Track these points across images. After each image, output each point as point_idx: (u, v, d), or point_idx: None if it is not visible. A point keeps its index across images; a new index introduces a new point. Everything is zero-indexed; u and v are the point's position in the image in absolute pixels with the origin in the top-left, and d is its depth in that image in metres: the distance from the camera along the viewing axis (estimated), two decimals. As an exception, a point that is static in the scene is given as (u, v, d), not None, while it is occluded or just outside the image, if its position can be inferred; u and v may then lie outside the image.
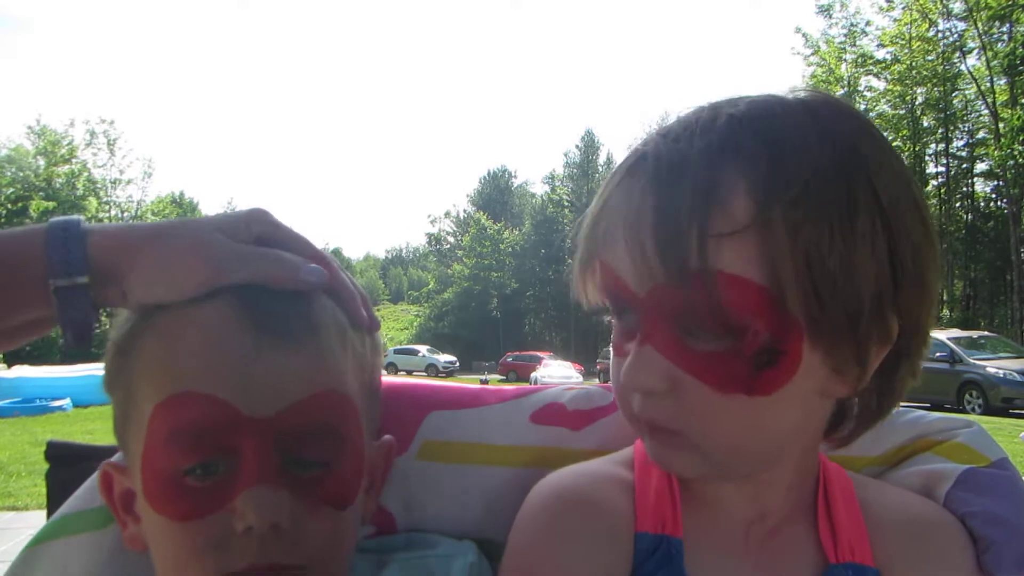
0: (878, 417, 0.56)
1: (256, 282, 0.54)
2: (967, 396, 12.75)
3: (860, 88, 30.52)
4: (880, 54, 29.45)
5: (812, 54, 30.76)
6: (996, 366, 12.64)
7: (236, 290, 0.54)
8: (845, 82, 29.80)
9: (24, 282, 0.53)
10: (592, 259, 0.53)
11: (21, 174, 35.23)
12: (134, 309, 0.56)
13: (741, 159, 0.47)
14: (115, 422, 0.59)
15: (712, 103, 0.52)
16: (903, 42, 28.18)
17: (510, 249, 51.62)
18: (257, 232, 0.56)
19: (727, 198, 0.46)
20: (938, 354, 13.31)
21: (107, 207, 40.16)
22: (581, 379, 25.68)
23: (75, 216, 0.55)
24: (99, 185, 40.62)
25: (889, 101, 30.08)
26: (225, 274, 0.53)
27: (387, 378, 0.79)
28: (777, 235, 0.45)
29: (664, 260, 0.46)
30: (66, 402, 11.51)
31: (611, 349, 0.55)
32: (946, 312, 28.70)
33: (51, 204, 35.24)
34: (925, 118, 29.80)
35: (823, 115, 0.49)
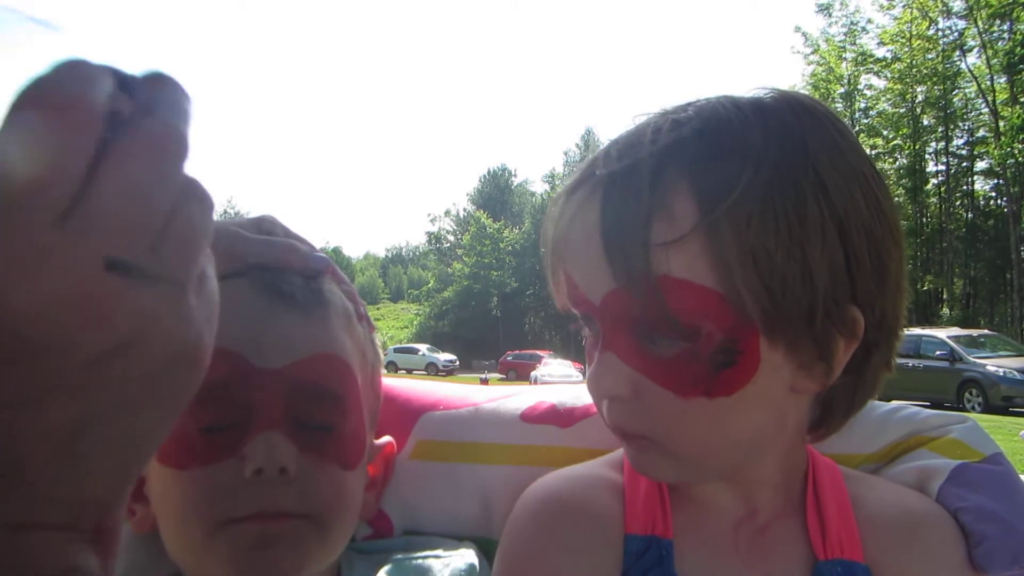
0: (852, 411, 0.56)
1: (271, 264, 0.60)
2: (967, 394, 12.75)
3: (860, 87, 30.52)
4: (880, 52, 29.45)
5: (812, 53, 30.75)
6: (996, 364, 12.64)
7: (253, 269, 0.60)
8: (845, 80, 29.79)
9: None
10: (556, 269, 0.55)
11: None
12: None
13: (684, 163, 0.47)
14: None
15: (664, 110, 0.53)
16: (903, 40, 28.16)
17: (510, 248, 51.59)
18: (266, 230, 0.63)
19: (670, 203, 0.46)
20: (938, 352, 13.32)
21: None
22: (581, 377, 25.65)
23: None
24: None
25: (889, 99, 30.06)
26: (244, 257, 0.59)
27: (384, 379, 0.80)
28: (722, 236, 0.45)
29: (613, 268, 0.47)
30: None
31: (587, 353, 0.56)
32: (946, 310, 28.72)
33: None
34: (925, 116, 29.77)
35: (773, 113, 0.49)
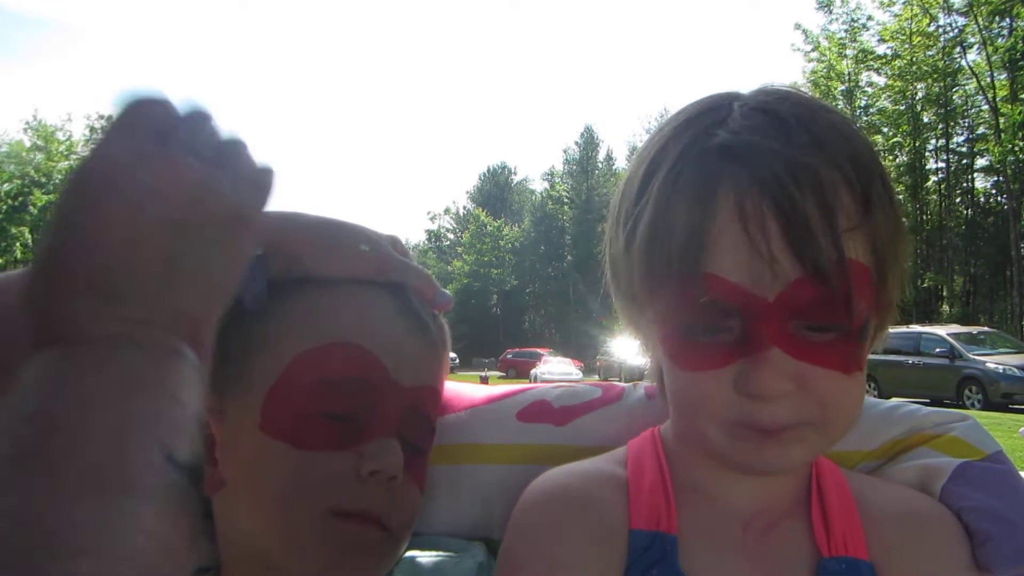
0: None
1: (406, 286, 0.64)
2: (967, 392, 12.78)
3: (861, 84, 30.51)
4: (881, 49, 29.43)
5: (812, 50, 30.73)
6: (996, 362, 12.67)
7: (388, 289, 0.64)
8: (846, 78, 29.77)
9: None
10: (690, 273, 0.50)
11: (21, 169, 35.18)
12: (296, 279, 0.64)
13: (828, 154, 0.51)
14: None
15: (735, 97, 0.55)
16: (904, 37, 28.15)
17: (510, 246, 51.61)
18: (401, 251, 0.68)
19: (838, 194, 0.50)
20: (938, 350, 13.34)
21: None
22: (581, 375, 25.73)
23: None
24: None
25: (890, 97, 30.06)
26: (387, 272, 0.64)
27: None
28: (876, 222, 0.51)
29: (803, 260, 0.48)
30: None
31: (672, 365, 0.54)
32: (946, 308, 28.72)
33: (52, 197, 35.27)
34: (925, 114, 29.78)
35: (834, 108, 0.56)
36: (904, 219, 0.56)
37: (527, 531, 0.58)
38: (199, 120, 0.46)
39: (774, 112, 0.52)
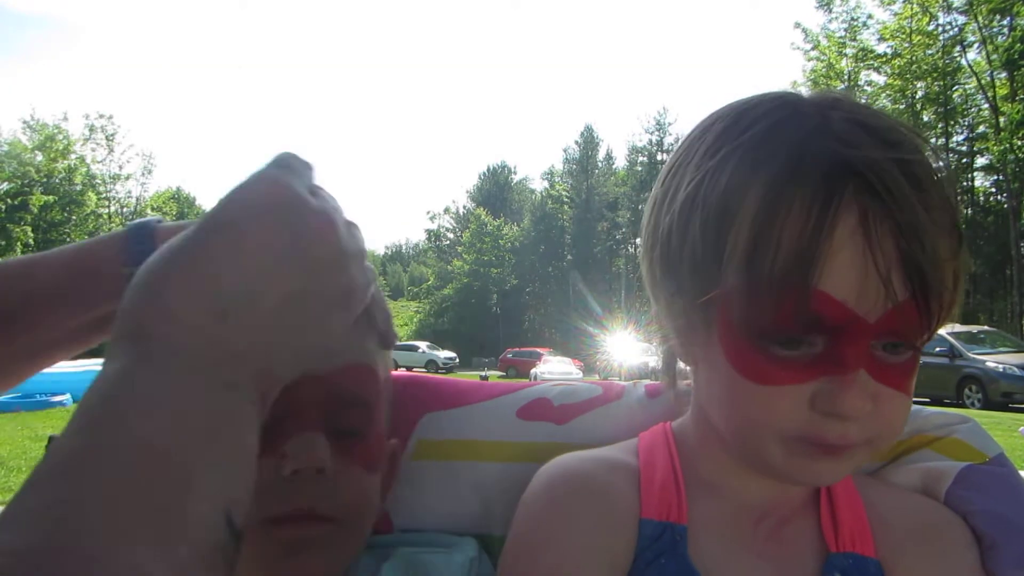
0: None
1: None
2: (966, 391, 12.76)
3: (860, 83, 30.47)
4: (880, 48, 29.41)
5: (812, 49, 30.72)
6: (996, 361, 12.65)
7: None
8: (845, 77, 29.74)
9: (105, 280, 0.60)
10: (791, 287, 0.46)
11: (22, 169, 35.16)
12: None
13: (936, 184, 0.49)
14: None
15: (817, 104, 0.51)
16: (903, 36, 28.13)
17: (509, 245, 51.58)
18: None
19: (946, 219, 0.49)
20: (937, 349, 13.32)
21: (106, 202, 40.14)
22: (581, 375, 25.72)
23: (153, 217, 0.63)
24: (98, 180, 40.56)
25: (889, 96, 30.00)
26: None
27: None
28: (962, 251, 0.51)
29: (915, 285, 0.47)
30: (66, 397, 11.52)
31: (761, 379, 0.50)
32: (946, 307, 28.61)
33: (51, 198, 35.27)
34: (925, 112, 29.75)
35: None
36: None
37: (537, 514, 0.58)
38: (321, 190, 0.46)
39: (867, 125, 0.49)
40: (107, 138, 40.80)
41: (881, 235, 0.46)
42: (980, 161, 29.79)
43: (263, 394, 0.39)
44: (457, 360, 35.99)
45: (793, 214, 0.46)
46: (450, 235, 63.99)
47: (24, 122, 37.74)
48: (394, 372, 0.74)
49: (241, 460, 0.35)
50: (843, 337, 0.48)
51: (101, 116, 40.88)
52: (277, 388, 0.40)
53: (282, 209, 0.39)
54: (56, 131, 38.27)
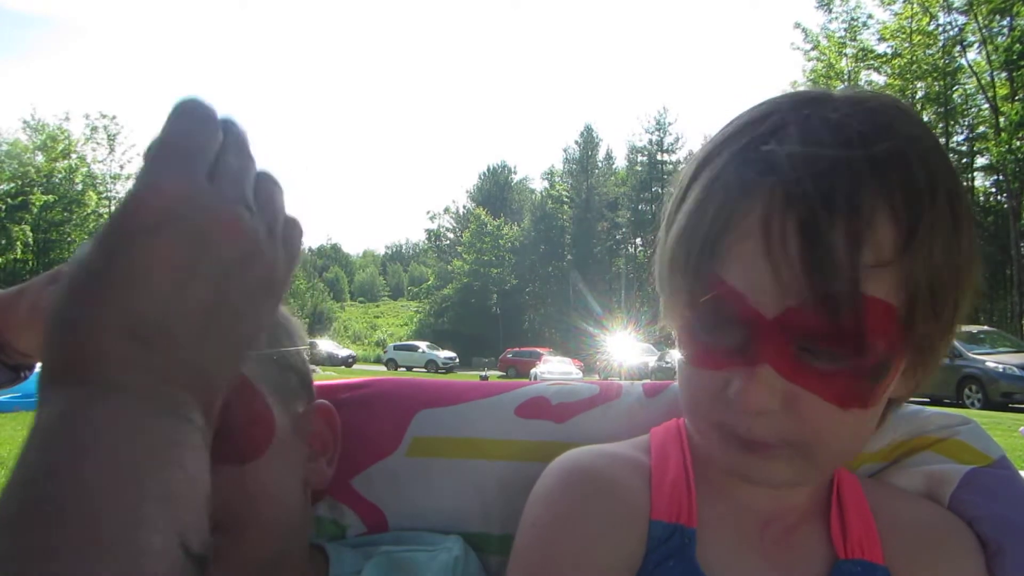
0: (887, 417, 0.57)
1: None
2: (966, 391, 12.75)
3: (860, 82, 30.43)
4: (881, 48, 29.40)
5: (812, 49, 30.72)
6: (995, 361, 12.63)
7: None
8: (845, 76, 29.73)
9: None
10: (701, 268, 0.50)
11: (22, 169, 35.15)
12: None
13: (880, 181, 0.46)
14: None
15: (810, 100, 0.50)
16: (904, 36, 28.12)
17: (509, 245, 51.55)
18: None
19: (876, 225, 0.45)
20: (937, 349, 13.27)
21: (107, 202, 40.11)
22: (581, 375, 25.70)
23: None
24: (98, 180, 40.56)
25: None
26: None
27: (376, 378, 0.80)
28: (916, 260, 0.46)
29: (813, 286, 0.45)
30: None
31: (682, 357, 0.54)
32: (946, 307, 28.58)
33: (51, 197, 35.24)
34: (925, 112, 29.66)
35: (925, 125, 0.50)
36: (974, 257, 0.50)
37: (556, 507, 0.57)
38: (240, 146, 0.42)
39: (838, 126, 0.47)
40: (109, 138, 40.80)
41: (786, 232, 0.46)
42: (980, 161, 29.78)
43: (207, 405, 0.37)
44: (457, 360, 35.98)
45: (712, 206, 0.49)
46: (450, 235, 63.97)
47: (25, 122, 37.75)
48: (395, 375, 0.73)
49: (190, 484, 0.34)
50: (752, 330, 0.48)
51: (103, 116, 40.89)
52: (222, 392, 0.39)
53: (177, 220, 0.36)
54: (58, 131, 38.27)
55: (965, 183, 30.58)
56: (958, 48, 27.11)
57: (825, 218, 0.45)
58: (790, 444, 0.50)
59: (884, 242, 0.46)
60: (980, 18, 25.04)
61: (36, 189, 34.95)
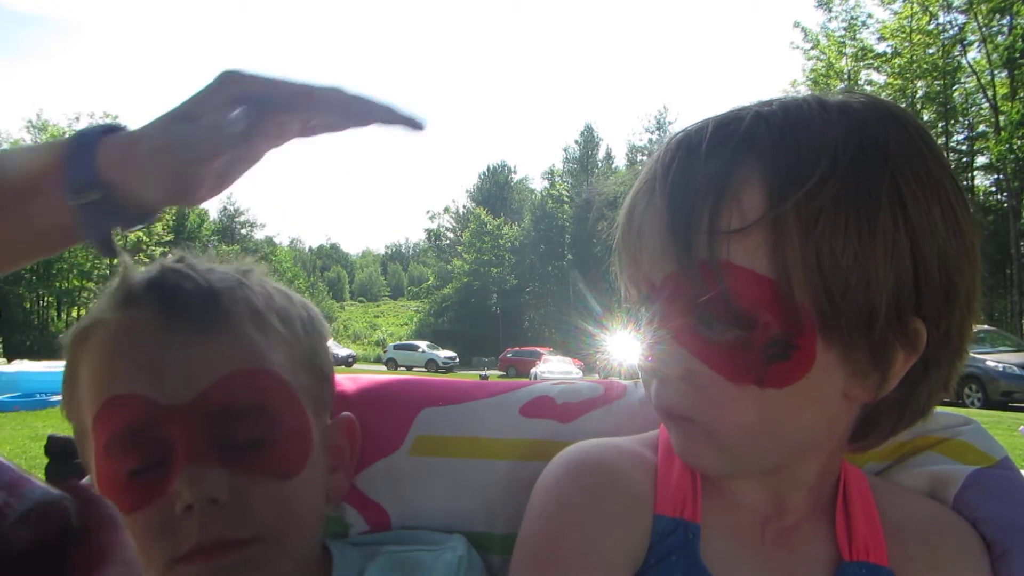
0: (899, 427, 0.56)
1: (237, 154, 0.56)
2: (966, 390, 12.74)
3: (860, 82, 30.43)
4: (880, 47, 29.37)
5: (812, 48, 30.68)
6: (995, 360, 12.61)
7: (150, 293, 0.56)
8: (845, 76, 29.71)
9: (49, 198, 0.56)
10: (622, 249, 0.56)
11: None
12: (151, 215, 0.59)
13: (757, 153, 0.48)
14: (79, 450, 0.61)
15: (750, 104, 0.52)
16: (903, 35, 28.09)
17: (509, 245, 51.51)
18: (232, 95, 0.57)
19: (739, 192, 0.47)
20: (937, 348, 13.25)
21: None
22: (581, 375, 25.68)
23: (98, 125, 0.58)
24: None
25: (889, 95, 29.92)
26: (197, 163, 0.55)
27: (379, 376, 0.80)
28: (789, 230, 0.46)
29: (676, 250, 0.49)
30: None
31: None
32: (946, 306, 28.51)
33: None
34: (925, 112, 29.67)
35: (858, 116, 0.49)
36: (909, 256, 0.47)
37: (562, 497, 0.57)
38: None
39: (734, 112, 0.52)
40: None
41: (660, 206, 0.51)
42: (980, 160, 29.76)
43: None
44: (457, 360, 35.95)
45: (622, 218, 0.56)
46: (450, 235, 63.92)
47: (28, 122, 37.71)
48: (395, 374, 0.73)
49: None
50: (652, 304, 0.53)
51: (106, 115, 40.81)
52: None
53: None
54: (65, 132, 38.22)
55: (965, 182, 30.69)
56: (958, 47, 27.08)
57: (688, 183, 0.49)
58: (693, 420, 0.52)
59: (748, 207, 0.47)
60: (980, 17, 25.02)
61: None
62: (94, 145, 0.56)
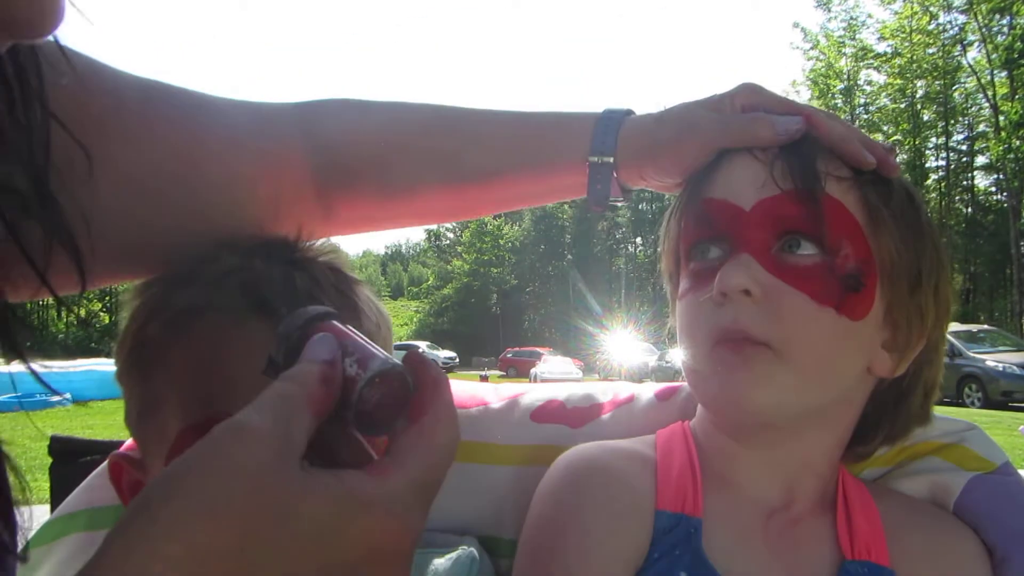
0: (892, 437, 0.62)
1: (738, 145, 0.60)
2: (966, 390, 12.75)
3: (860, 82, 30.47)
4: (880, 47, 29.39)
5: (811, 48, 30.68)
6: (995, 360, 12.62)
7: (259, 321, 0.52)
8: (845, 76, 29.74)
9: (572, 154, 0.65)
10: (692, 200, 0.60)
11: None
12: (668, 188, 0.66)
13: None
14: (128, 414, 0.58)
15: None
16: (903, 35, 28.10)
17: (510, 245, 51.54)
18: (740, 103, 0.63)
19: (834, 158, 0.57)
20: (938, 348, 13.26)
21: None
22: (581, 375, 25.69)
23: (625, 108, 0.66)
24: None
25: (889, 95, 29.99)
26: (711, 144, 0.61)
27: None
28: (870, 194, 0.56)
29: (791, 175, 0.54)
30: (66, 396, 11.53)
31: (686, 294, 0.59)
32: (946, 306, 28.55)
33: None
34: (925, 112, 29.73)
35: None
36: (943, 254, 0.59)
37: (562, 498, 0.58)
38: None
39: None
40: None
41: (761, 149, 0.57)
42: (980, 160, 29.78)
43: None
44: (457, 360, 35.94)
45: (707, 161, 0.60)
46: (450, 235, 63.92)
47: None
48: None
49: None
50: (733, 230, 0.56)
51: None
52: None
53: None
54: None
55: (965, 182, 30.68)
56: (958, 47, 27.09)
57: (795, 140, 0.56)
58: (769, 345, 0.53)
59: (843, 167, 0.56)
60: (980, 17, 25.03)
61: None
62: (620, 120, 0.64)
